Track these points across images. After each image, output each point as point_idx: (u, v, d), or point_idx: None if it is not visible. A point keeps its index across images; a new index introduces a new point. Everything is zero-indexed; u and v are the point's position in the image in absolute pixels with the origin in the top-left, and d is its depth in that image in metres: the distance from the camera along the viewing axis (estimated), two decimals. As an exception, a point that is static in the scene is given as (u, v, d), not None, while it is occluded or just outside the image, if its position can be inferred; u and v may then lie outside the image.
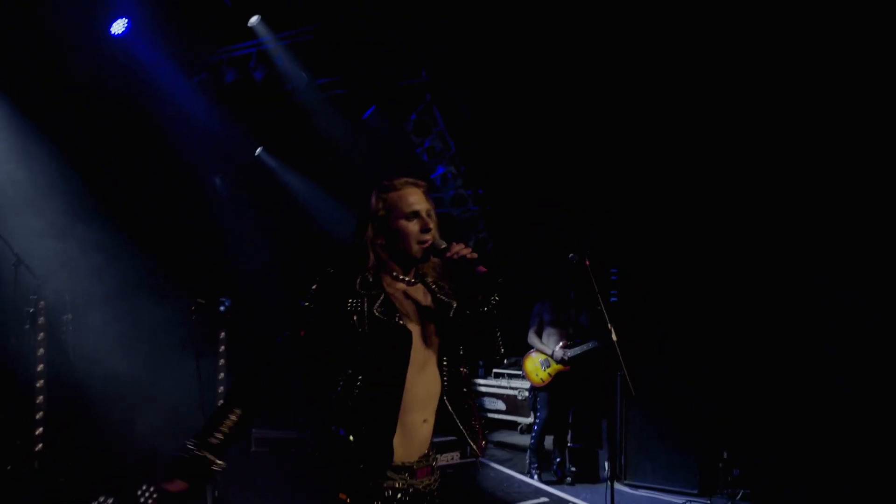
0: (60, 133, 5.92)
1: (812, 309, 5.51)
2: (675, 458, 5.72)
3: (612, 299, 6.50)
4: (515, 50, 6.38)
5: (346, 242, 2.28)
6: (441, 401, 2.22)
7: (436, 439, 2.24)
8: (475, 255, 2.15)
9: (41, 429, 5.12)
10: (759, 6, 5.27)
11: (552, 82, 6.50)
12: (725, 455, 5.54)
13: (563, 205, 7.44)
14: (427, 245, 2.21)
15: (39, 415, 5.12)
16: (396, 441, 2.09)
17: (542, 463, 6.28)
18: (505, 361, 8.32)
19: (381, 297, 2.16)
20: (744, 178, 5.85)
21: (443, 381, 2.22)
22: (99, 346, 5.85)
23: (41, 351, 5.16)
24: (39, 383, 5.16)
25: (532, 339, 6.21)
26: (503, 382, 8.32)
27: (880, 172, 5.21)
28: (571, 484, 6.10)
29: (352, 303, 2.14)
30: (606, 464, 5.67)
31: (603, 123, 6.64)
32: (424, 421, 2.18)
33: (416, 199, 2.24)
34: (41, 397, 5.15)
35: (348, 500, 2.06)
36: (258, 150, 8.82)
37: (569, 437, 6.31)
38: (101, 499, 4.46)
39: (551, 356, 6.05)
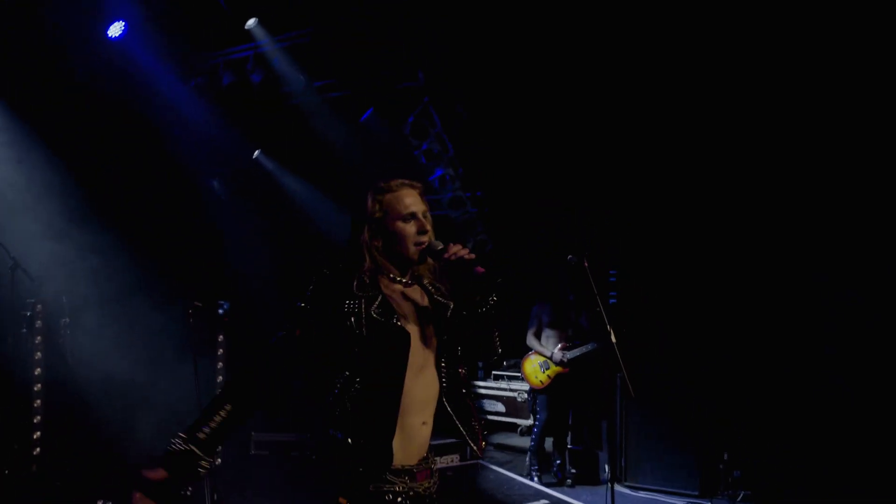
0: (57, 136, 5.92)
1: (812, 309, 5.51)
2: (676, 459, 5.70)
3: (612, 300, 6.50)
4: (513, 51, 6.38)
5: (343, 244, 2.27)
6: (440, 402, 2.20)
7: (435, 441, 2.23)
8: (473, 256, 2.14)
9: (39, 432, 5.11)
10: (759, 6, 5.27)
11: (550, 83, 6.50)
12: (726, 456, 5.54)
13: (562, 206, 7.44)
14: (424, 246, 2.20)
15: (37, 418, 5.12)
16: (396, 444, 2.07)
17: (543, 465, 6.27)
18: (504, 363, 8.32)
19: (379, 299, 2.14)
20: (743, 179, 5.86)
21: (441, 382, 2.21)
22: (96, 349, 5.83)
23: (38, 354, 5.16)
24: (37, 387, 5.16)
25: (531, 340, 6.19)
26: (503, 384, 8.31)
27: (880, 173, 5.21)
28: (571, 486, 6.08)
29: (349, 304, 2.12)
30: (606, 465, 5.67)
31: (601, 125, 6.64)
32: (424, 423, 2.16)
33: (412, 200, 2.23)
34: (39, 401, 5.15)
35: (347, 504, 2.04)
36: (256, 152, 8.81)
37: (569, 438, 6.29)
38: (100, 502, 4.46)
39: (550, 358, 6.04)
